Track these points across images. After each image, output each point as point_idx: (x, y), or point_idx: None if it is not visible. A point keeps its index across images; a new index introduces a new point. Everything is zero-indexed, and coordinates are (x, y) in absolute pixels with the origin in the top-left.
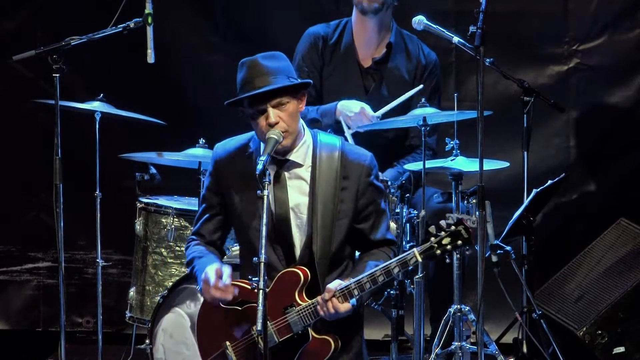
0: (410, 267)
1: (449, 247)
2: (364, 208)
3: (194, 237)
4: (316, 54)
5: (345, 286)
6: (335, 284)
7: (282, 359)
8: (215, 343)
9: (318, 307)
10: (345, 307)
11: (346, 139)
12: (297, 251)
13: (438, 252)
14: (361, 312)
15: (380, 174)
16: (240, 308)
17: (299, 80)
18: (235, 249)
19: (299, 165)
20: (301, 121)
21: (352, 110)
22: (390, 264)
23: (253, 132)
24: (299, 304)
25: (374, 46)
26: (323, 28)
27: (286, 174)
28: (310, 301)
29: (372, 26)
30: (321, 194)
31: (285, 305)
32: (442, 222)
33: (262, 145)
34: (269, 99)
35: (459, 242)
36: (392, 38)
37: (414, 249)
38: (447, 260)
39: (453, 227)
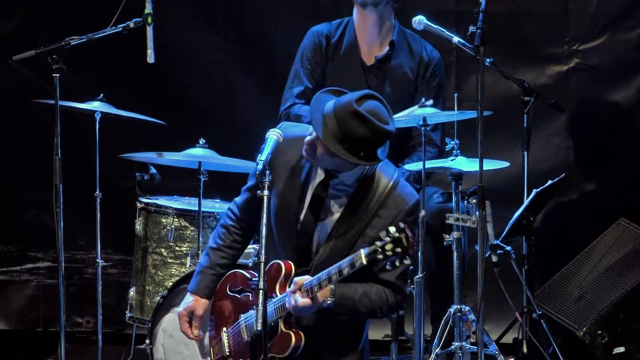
0: (357, 268)
1: (389, 253)
2: None
3: (232, 208)
4: (319, 52)
5: (309, 281)
6: (302, 278)
7: (254, 349)
8: (218, 327)
9: (286, 300)
10: (303, 302)
11: None
12: (312, 254)
13: (380, 256)
14: (360, 327)
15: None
16: (239, 296)
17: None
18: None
19: (346, 184)
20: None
21: None
22: (342, 263)
23: None
24: (276, 297)
25: (376, 44)
26: (326, 27)
27: (331, 184)
28: (284, 294)
29: (372, 21)
30: (355, 213)
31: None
32: (391, 228)
33: None
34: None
35: (398, 249)
36: (394, 36)
37: (361, 250)
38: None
39: (396, 235)
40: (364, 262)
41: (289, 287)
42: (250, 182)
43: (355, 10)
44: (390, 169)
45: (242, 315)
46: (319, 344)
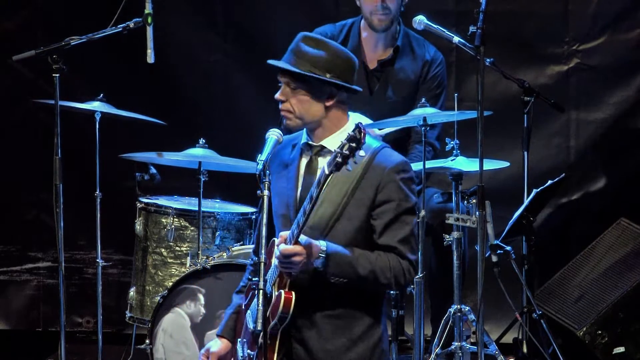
0: (323, 183)
1: (347, 152)
2: (381, 203)
3: (252, 259)
4: None
5: (292, 230)
6: (288, 231)
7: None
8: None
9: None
10: (287, 249)
11: None
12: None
13: (339, 159)
14: (379, 301)
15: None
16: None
17: (321, 77)
18: (236, 249)
19: (330, 152)
20: (332, 114)
21: None
22: (311, 190)
23: None
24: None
25: (380, 50)
26: (329, 28)
27: (320, 160)
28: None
29: (381, 37)
30: (340, 176)
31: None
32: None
33: (304, 133)
34: (281, 75)
35: (354, 144)
36: (399, 41)
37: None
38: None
39: (351, 133)
40: (326, 171)
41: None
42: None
43: (363, 21)
44: (372, 141)
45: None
46: (328, 323)
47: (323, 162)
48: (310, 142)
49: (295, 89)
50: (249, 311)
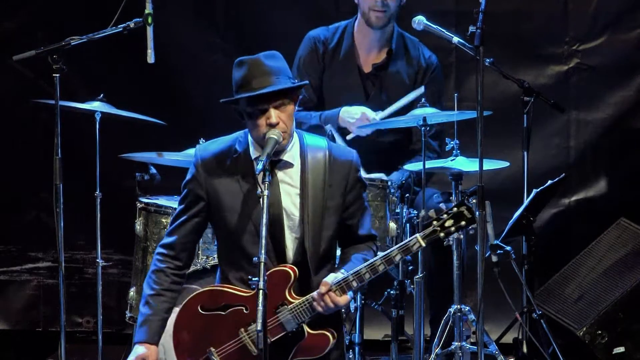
0: (412, 253)
1: (452, 228)
2: (351, 204)
3: (162, 251)
4: (316, 58)
5: (343, 278)
6: (331, 278)
7: (275, 358)
8: (197, 350)
9: (314, 303)
10: (344, 299)
11: (347, 143)
12: (290, 251)
13: (442, 234)
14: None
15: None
16: (224, 313)
17: (299, 82)
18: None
19: (291, 166)
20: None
21: (354, 116)
22: (391, 251)
23: (237, 134)
24: (291, 302)
25: (375, 52)
26: (323, 32)
27: (278, 174)
28: (303, 298)
29: (376, 37)
30: (311, 193)
31: (276, 305)
32: (442, 206)
33: (250, 145)
34: (271, 99)
35: (463, 222)
36: (393, 45)
37: (416, 234)
38: (449, 242)
39: (455, 209)
40: (423, 244)
41: (293, 290)
42: (184, 193)
43: (358, 19)
44: (317, 141)
45: (242, 330)
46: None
47: (282, 176)
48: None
49: (283, 105)
50: (249, 339)
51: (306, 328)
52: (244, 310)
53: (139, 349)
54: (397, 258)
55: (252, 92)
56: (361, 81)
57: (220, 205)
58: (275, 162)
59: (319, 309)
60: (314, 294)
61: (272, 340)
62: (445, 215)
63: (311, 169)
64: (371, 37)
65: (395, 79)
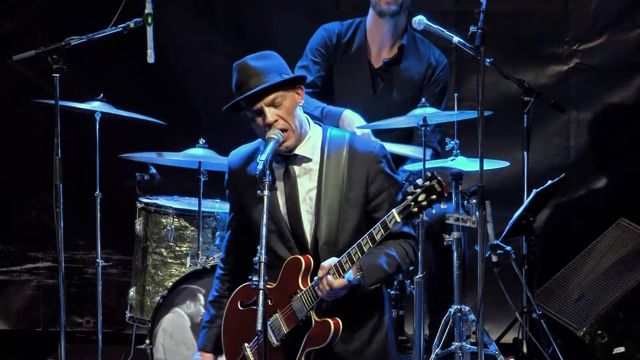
0: (390, 229)
1: (424, 203)
2: (375, 195)
3: (220, 265)
4: (328, 47)
5: (338, 261)
6: (330, 261)
7: (292, 349)
8: (236, 346)
9: (316, 287)
10: (339, 282)
11: None
12: (309, 243)
13: (415, 209)
14: (381, 299)
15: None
16: (256, 307)
17: (290, 75)
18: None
19: (308, 160)
20: (304, 116)
21: (352, 127)
22: (373, 229)
23: None
24: (302, 290)
25: (386, 48)
26: (337, 26)
27: (295, 168)
28: (310, 284)
29: (387, 29)
30: (329, 182)
31: (290, 294)
32: (418, 180)
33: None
34: (262, 98)
35: (433, 196)
36: (404, 40)
37: (392, 210)
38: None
39: (427, 183)
40: (398, 219)
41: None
42: (230, 217)
43: (370, 13)
44: (341, 133)
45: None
46: (347, 327)
47: (299, 171)
48: (282, 153)
49: (278, 102)
50: (270, 332)
51: (313, 315)
52: (269, 303)
53: (195, 356)
54: (379, 236)
55: (241, 96)
56: (370, 76)
57: (247, 207)
58: (291, 158)
59: (319, 293)
60: (315, 278)
61: (289, 330)
62: (418, 190)
63: (331, 161)
64: (383, 30)
65: (405, 75)
